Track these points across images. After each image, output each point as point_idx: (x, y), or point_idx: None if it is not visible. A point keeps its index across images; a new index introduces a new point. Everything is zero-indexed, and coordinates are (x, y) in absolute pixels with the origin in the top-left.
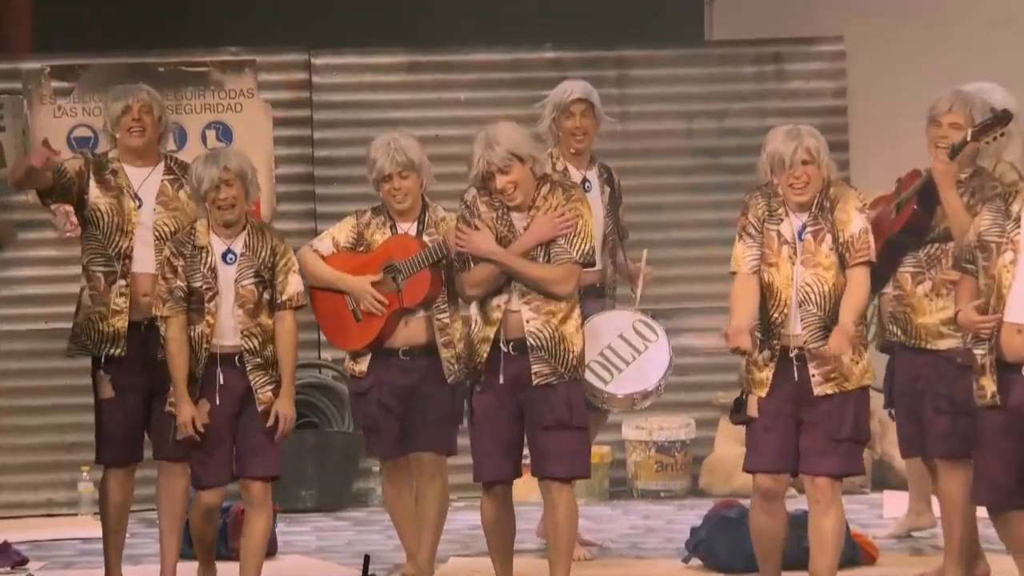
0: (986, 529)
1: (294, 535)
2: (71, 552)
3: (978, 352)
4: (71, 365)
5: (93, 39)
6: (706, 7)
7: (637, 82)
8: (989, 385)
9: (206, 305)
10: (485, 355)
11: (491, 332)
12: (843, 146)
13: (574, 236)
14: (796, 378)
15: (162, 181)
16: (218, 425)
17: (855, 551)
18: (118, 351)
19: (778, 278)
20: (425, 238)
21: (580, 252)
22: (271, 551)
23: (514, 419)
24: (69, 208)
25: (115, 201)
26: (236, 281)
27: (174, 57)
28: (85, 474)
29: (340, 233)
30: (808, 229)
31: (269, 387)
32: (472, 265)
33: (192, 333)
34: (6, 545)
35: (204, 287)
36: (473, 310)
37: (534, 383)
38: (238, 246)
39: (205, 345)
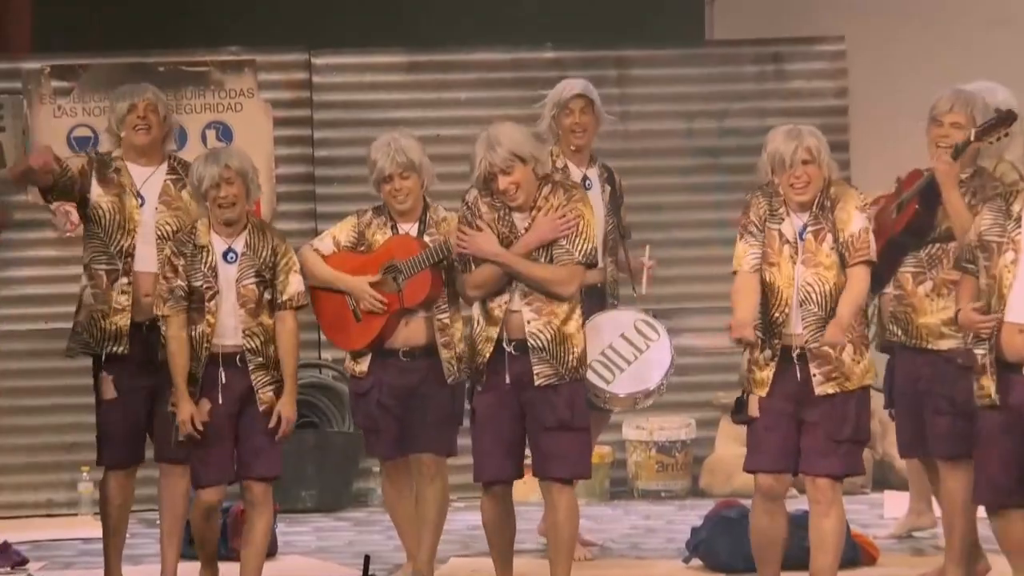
0: (987, 530)
1: (294, 535)
2: (71, 552)
3: (978, 352)
4: (71, 365)
5: (93, 39)
6: (706, 7)
7: (637, 82)
8: (989, 385)
9: (206, 304)
10: (487, 355)
11: (493, 332)
12: (844, 146)
13: (576, 236)
14: (798, 378)
15: (165, 180)
16: (218, 424)
17: (856, 551)
18: (120, 349)
19: (779, 278)
20: (426, 238)
21: (583, 252)
22: (271, 551)
23: (515, 419)
24: (69, 208)
25: (117, 199)
26: (237, 281)
27: (174, 57)
28: (85, 474)
29: (341, 233)
30: (809, 229)
31: (270, 387)
32: (474, 266)
33: (193, 333)
34: (6, 545)
35: (204, 286)
36: (475, 310)
37: (536, 384)
38: (239, 245)
39: (206, 344)
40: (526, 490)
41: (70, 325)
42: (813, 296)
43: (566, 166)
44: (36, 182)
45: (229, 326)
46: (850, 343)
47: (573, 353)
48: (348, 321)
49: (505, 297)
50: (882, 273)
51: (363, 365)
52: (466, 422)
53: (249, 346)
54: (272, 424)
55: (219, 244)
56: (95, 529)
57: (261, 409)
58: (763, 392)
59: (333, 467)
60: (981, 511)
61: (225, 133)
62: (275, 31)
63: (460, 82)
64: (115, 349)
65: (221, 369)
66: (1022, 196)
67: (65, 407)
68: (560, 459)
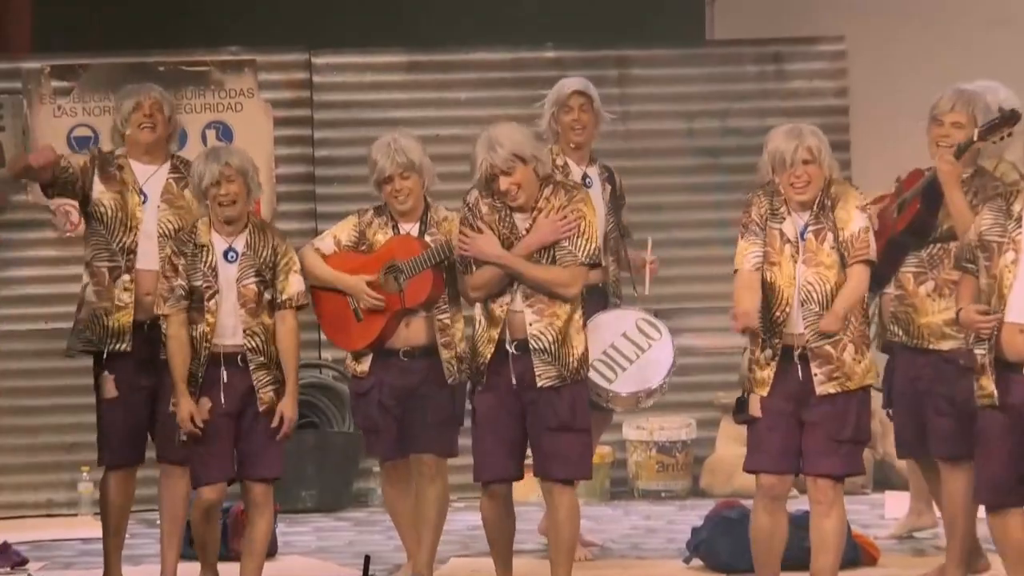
0: (987, 530)
1: (294, 535)
2: (71, 553)
3: (978, 352)
4: (71, 365)
5: (93, 39)
6: (707, 7)
7: (638, 82)
8: (989, 385)
9: (206, 304)
10: (489, 356)
11: (495, 333)
12: (844, 146)
13: (578, 237)
14: (799, 377)
15: (168, 179)
16: (219, 423)
17: (856, 552)
18: (123, 346)
19: (780, 277)
20: (427, 238)
21: (585, 253)
22: (271, 551)
23: (516, 419)
24: (69, 208)
25: (119, 196)
26: (238, 280)
27: (174, 57)
28: (85, 474)
29: (342, 232)
30: (810, 228)
31: (270, 387)
32: (475, 268)
33: (194, 332)
34: (6, 545)
35: (204, 286)
36: (477, 311)
37: (538, 385)
38: (240, 244)
39: (205, 344)
40: (526, 490)
41: (70, 325)
42: (814, 296)
43: (566, 164)
44: (36, 178)
45: (229, 326)
46: (851, 343)
47: (575, 354)
48: (349, 321)
49: (507, 298)
50: (883, 273)
51: (364, 365)
52: (467, 422)
53: (250, 346)
54: (275, 424)
55: (219, 243)
56: (95, 529)
57: (261, 409)
58: (764, 392)
59: (333, 467)
60: (981, 511)
61: (225, 133)
62: (275, 31)
63: (460, 82)
64: (118, 346)
65: (223, 369)
66: (1022, 196)
67: (65, 407)
68: (561, 460)
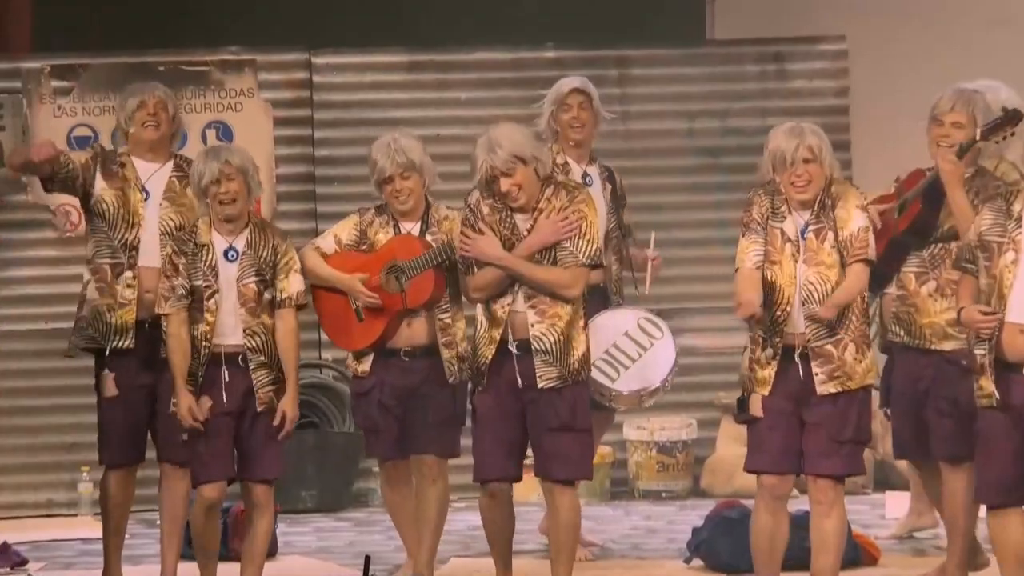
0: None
1: (295, 535)
2: (71, 553)
3: (978, 352)
4: (71, 365)
5: (93, 39)
6: (707, 6)
7: (638, 81)
8: (988, 385)
9: (206, 303)
10: (490, 357)
11: (497, 333)
12: (845, 146)
13: (579, 238)
14: (799, 377)
15: (171, 177)
16: (219, 422)
17: (857, 552)
18: (126, 343)
19: (781, 276)
20: (428, 237)
21: (586, 254)
22: (272, 551)
23: (516, 419)
24: (69, 208)
25: (121, 192)
26: (238, 280)
27: (174, 57)
28: (85, 474)
29: (343, 231)
30: (811, 227)
31: (270, 387)
32: (476, 269)
33: (194, 332)
34: (6, 546)
35: (204, 285)
36: (479, 311)
37: (539, 386)
38: (240, 244)
39: (205, 343)
40: (526, 490)
41: (70, 325)
42: (815, 295)
43: (566, 162)
44: (36, 172)
45: (229, 325)
46: (852, 342)
47: (576, 355)
48: (351, 321)
49: (508, 299)
50: (885, 273)
51: (365, 365)
52: (468, 422)
53: (250, 345)
54: (276, 422)
55: (220, 242)
56: (95, 529)
57: (259, 409)
58: (765, 391)
59: (333, 467)
60: (982, 511)
61: (225, 133)
62: (275, 31)
63: (460, 82)
64: (121, 343)
65: (223, 368)
66: (1022, 196)
67: (65, 407)
68: (562, 460)
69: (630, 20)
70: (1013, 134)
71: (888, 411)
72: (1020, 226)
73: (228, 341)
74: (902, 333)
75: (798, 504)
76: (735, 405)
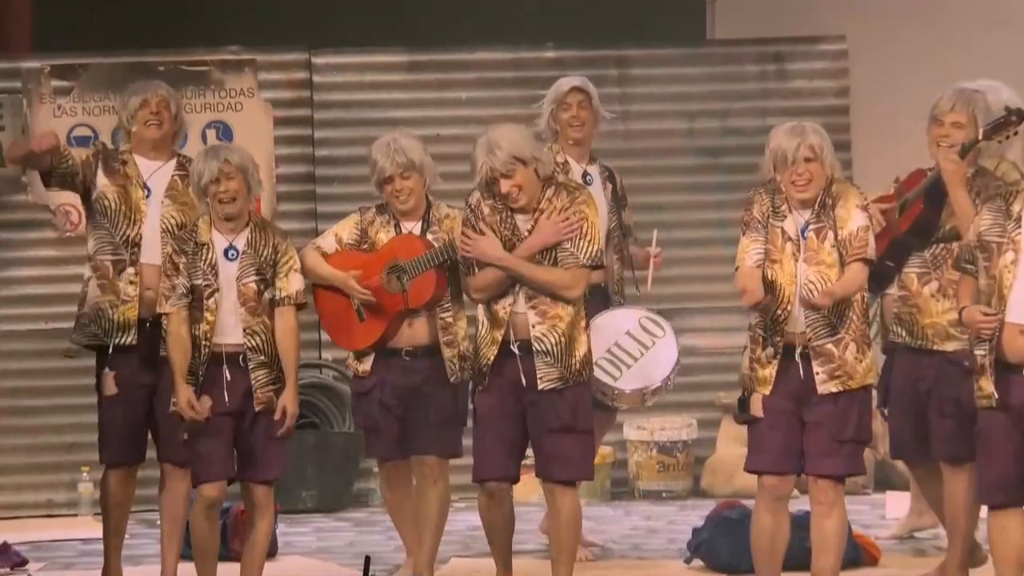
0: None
1: (295, 536)
2: (71, 553)
3: (978, 352)
4: (71, 365)
5: (93, 39)
6: (708, 6)
7: (638, 81)
8: (988, 386)
9: (206, 302)
10: (492, 358)
11: (499, 334)
12: (845, 146)
13: (580, 239)
14: (800, 376)
15: (173, 176)
16: (219, 421)
17: (857, 552)
18: (128, 340)
19: (782, 275)
20: (429, 236)
21: (587, 255)
22: (272, 552)
23: (517, 420)
24: (69, 208)
25: (122, 189)
26: (238, 279)
27: (174, 57)
28: (85, 475)
29: (344, 230)
30: (811, 227)
31: (269, 387)
32: (477, 269)
33: (195, 331)
34: (6, 546)
35: (204, 284)
36: (480, 312)
37: (540, 387)
38: (240, 243)
39: (206, 343)
40: (526, 490)
41: (70, 325)
42: (815, 294)
43: (566, 161)
44: (36, 165)
45: (230, 324)
46: (852, 341)
47: (578, 356)
48: (352, 321)
49: (509, 299)
50: (887, 273)
51: (366, 364)
52: (469, 422)
53: (250, 345)
54: (277, 417)
55: (220, 241)
56: (95, 530)
57: (257, 409)
58: (766, 390)
59: (334, 467)
60: (983, 512)
61: (225, 133)
62: (275, 31)
63: (460, 82)
64: (123, 340)
65: (224, 367)
66: (1022, 196)
67: (65, 407)
68: (563, 461)
69: (630, 20)
70: (1016, 133)
71: (885, 411)
72: (1020, 226)
73: (228, 340)
74: (904, 334)
75: (798, 504)
76: (735, 405)
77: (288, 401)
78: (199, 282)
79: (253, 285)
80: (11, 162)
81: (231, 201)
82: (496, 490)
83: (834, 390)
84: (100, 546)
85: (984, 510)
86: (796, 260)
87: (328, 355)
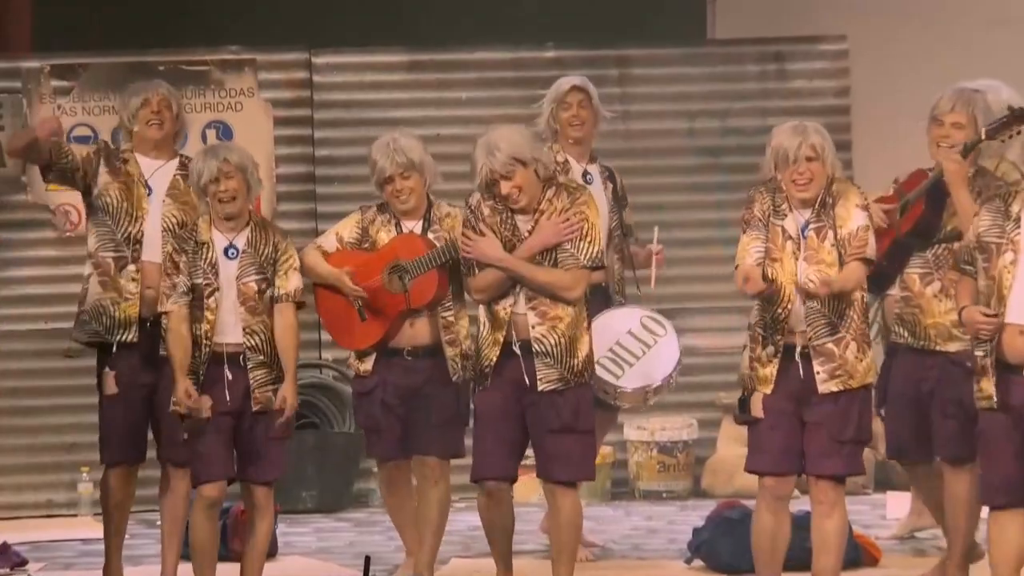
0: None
1: (295, 536)
2: (71, 553)
3: (978, 353)
4: (71, 365)
5: (93, 39)
6: (708, 6)
7: (639, 81)
8: (988, 387)
9: (206, 301)
10: (494, 358)
11: (500, 335)
12: (846, 145)
13: (581, 240)
14: (800, 376)
15: (175, 175)
16: (220, 421)
17: (858, 552)
18: (130, 337)
19: (782, 273)
20: (430, 235)
21: (587, 256)
22: (272, 552)
23: (517, 420)
24: (69, 208)
25: (124, 186)
26: (237, 278)
27: (174, 57)
28: (85, 475)
29: (344, 229)
30: (811, 226)
31: (269, 387)
32: (477, 270)
33: (195, 331)
34: (5, 546)
35: (204, 283)
36: (481, 313)
37: (540, 389)
38: (240, 242)
39: (206, 342)
40: (526, 490)
41: (70, 325)
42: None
43: (567, 161)
44: (36, 158)
45: (230, 323)
46: (853, 340)
47: (579, 357)
48: (353, 321)
49: (510, 300)
50: (888, 274)
51: (368, 364)
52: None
53: (249, 344)
54: (277, 407)
55: (220, 240)
56: (95, 530)
57: (254, 408)
58: (767, 389)
59: (334, 468)
60: (983, 512)
61: (225, 133)
62: (275, 30)
63: (461, 81)
64: (125, 337)
65: (225, 367)
66: (1021, 196)
67: (65, 407)
68: (563, 462)
69: (630, 20)
70: (1019, 133)
71: (882, 412)
72: (1019, 226)
73: (229, 340)
74: (906, 334)
75: (799, 504)
76: (736, 405)
77: (288, 392)
78: (199, 281)
79: (253, 284)
80: (11, 155)
81: (231, 200)
82: (495, 489)
83: (835, 389)
84: (100, 546)
85: (985, 511)
86: (796, 259)
87: (328, 355)
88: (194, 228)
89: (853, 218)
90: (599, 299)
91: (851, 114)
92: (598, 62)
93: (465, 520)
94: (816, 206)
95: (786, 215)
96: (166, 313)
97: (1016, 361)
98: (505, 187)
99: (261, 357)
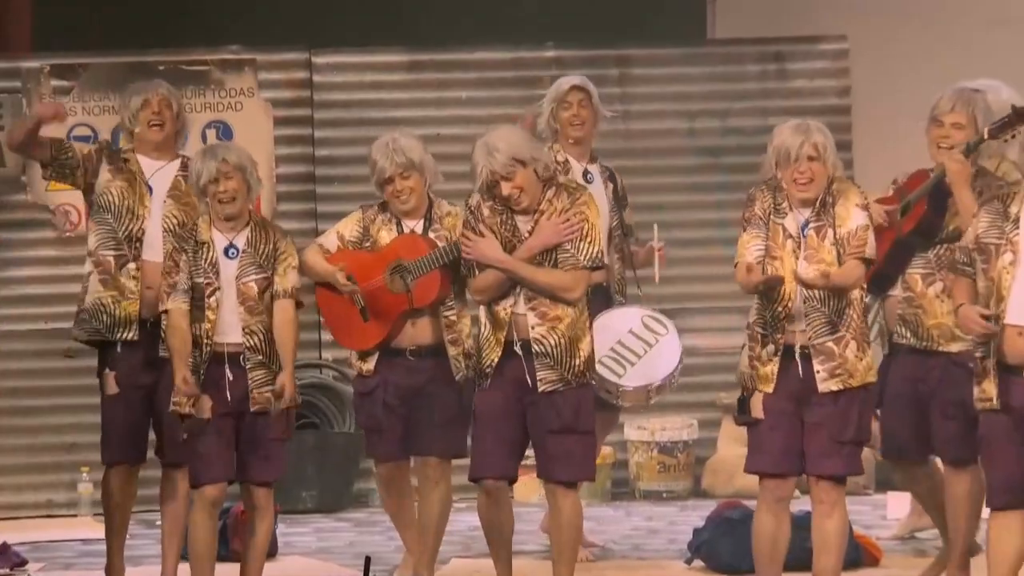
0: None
1: (295, 536)
2: (71, 553)
3: (979, 355)
4: (71, 365)
5: (93, 39)
6: (708, 5)
7: (639, 81)
8: (990, 388)
9: (206, 301)
10: (495, 358)
11: (501, 336)
12: (846, 145)
13: (581, 240)
14: (800, 375)
15: (177, 176)
16: (220, 422)
17: (858, 552)
18: (130, 335)
19: (782, 272)
20: (431, 235)
21: (588, 256)
22: (272, 552)
23: (517, 420)
24: (69, 208)
25: (126, 185)
26: (237, 278)
27: (174, 56)
28: (85, 475)
29: (345, 228)
30: (811, 225)
31: (267, 388)
32: (477, 271)
33: (196, 331)
34: (5, 546)
35: (205, 283)
36: (481, 313)
37: (540, 389)
38: (240, 241)
39: (206, 341)
40: (527, 490)
41: (70, 325)
42: (816, 292)
43: (567, 160)
44: (36, 152)
45: (230, 323)
46: (853, 340)
47: (579, 357)
48: (355, 321)
49: (510, 301)
50: (890, 274)
51: (370, 364)
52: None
53: (248, 344)
54: (275, 393)
55: (220, 240)
56: (95, 530)
57: (253, 409)
58: (768, 388)
59: (334, 468)
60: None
61: (225, 132)
62: (275, 30)
63: (461, 81)
64: (126, 335)
65: (225, 367)
66: (1020, 197)
67: (65, 407)
68: (564, 461)
69: (630, 19)
70: (1022, 132)
71: (878, 412)
72: (1018, 227)
73: (229, 339)
74: (908, 334)
75: (799, 505)
76: (736, 406)
77: (287, 380)
78: (200, 280)
79: (253, 284)
80: (13, 147)
81: (230, 201)
82: (493, 489)
83: (835, 388)
84: (100, 546)
85: (985, 512)
86: (796, 258)
87: (328, 355)
88: (194, 228)
89: (853, 217)
90: (600, 299)
91: (851, 114)
92: (598, 62)
93: (465, 520)
94: (816, 205)
95: (786, 214)
96: (166, 311)
97: (1016, 362)
98: (506, 188)
99: (260, 357)
